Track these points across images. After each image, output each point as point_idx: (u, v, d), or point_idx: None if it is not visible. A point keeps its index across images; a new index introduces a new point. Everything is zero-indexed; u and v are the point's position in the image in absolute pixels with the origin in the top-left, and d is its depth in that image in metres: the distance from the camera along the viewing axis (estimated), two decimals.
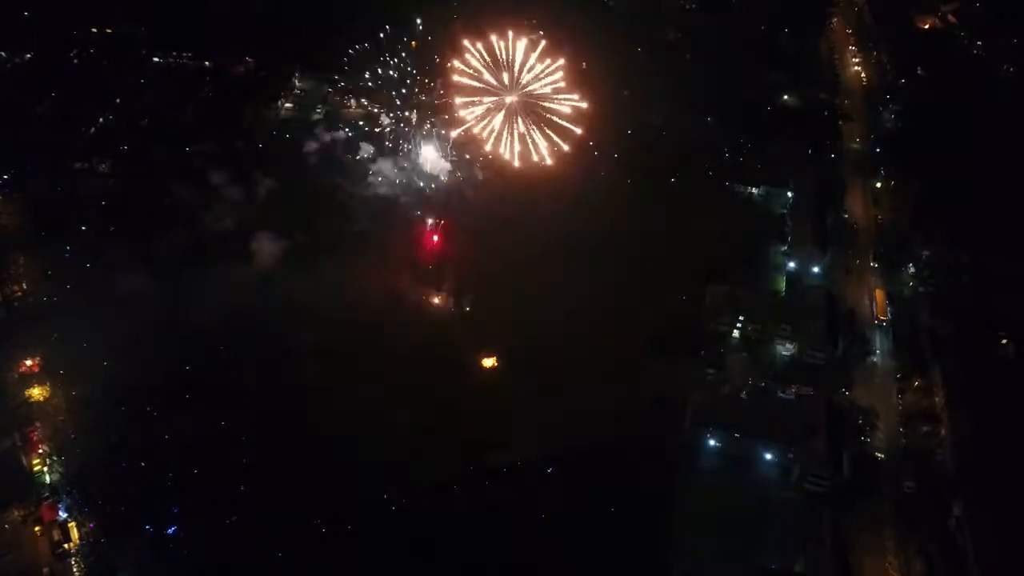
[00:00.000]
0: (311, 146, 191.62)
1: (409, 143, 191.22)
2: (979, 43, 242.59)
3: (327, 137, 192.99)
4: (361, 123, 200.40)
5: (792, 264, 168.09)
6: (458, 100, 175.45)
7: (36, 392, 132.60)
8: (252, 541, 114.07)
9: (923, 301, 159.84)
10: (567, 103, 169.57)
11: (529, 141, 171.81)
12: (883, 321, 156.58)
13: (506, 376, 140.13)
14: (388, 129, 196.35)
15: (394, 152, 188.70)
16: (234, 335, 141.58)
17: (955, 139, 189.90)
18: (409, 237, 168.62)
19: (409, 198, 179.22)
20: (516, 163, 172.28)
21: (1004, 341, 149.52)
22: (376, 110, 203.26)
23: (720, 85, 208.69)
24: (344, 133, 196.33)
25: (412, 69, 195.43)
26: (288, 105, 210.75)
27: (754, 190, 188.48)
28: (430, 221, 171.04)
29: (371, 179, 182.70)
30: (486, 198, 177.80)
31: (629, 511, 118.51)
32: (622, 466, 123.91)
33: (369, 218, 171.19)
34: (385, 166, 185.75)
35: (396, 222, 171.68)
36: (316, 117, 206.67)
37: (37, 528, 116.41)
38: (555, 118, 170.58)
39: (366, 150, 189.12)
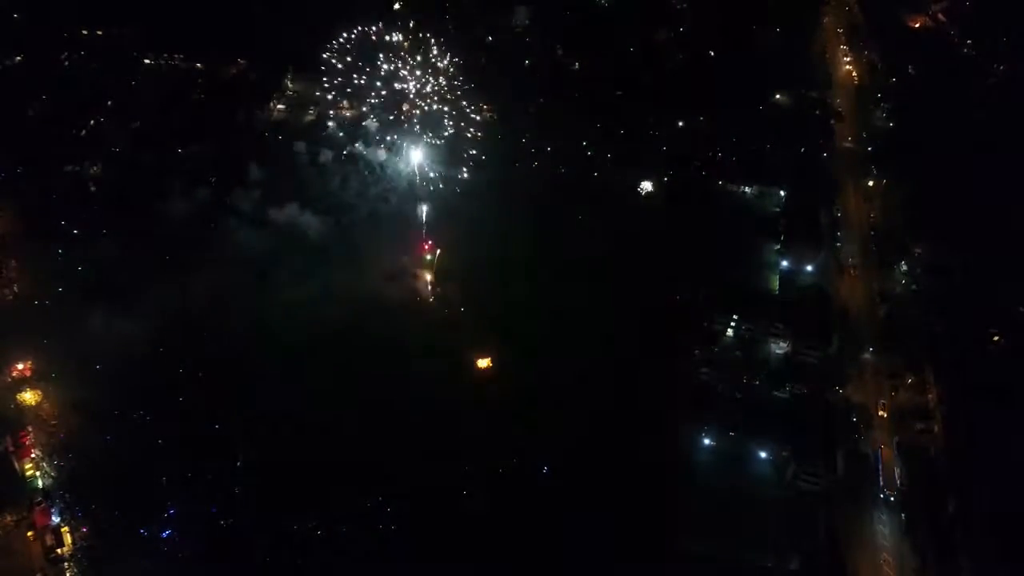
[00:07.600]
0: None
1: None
2: (969, 42, 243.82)
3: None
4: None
5: (785, 263, 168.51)
6: None
7: (28, 396, 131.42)
8: (248, 544, 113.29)
9: (916, 299, 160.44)
10: None
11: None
12: (892, 496, 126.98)
13: (502, 376, 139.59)
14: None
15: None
16: (227, 337, 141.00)
17: (946, 137, 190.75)
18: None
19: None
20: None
21: (996, 338, 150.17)
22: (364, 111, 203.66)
23: (713, 84, 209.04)
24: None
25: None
26: (280, 107, 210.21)
27: (747, 189, 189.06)
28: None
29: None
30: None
31: (625, 510, 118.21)
32: (617, 465, 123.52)
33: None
34: None
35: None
36: (308, 119, 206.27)
37: (30, 533, 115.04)
38: None
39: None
